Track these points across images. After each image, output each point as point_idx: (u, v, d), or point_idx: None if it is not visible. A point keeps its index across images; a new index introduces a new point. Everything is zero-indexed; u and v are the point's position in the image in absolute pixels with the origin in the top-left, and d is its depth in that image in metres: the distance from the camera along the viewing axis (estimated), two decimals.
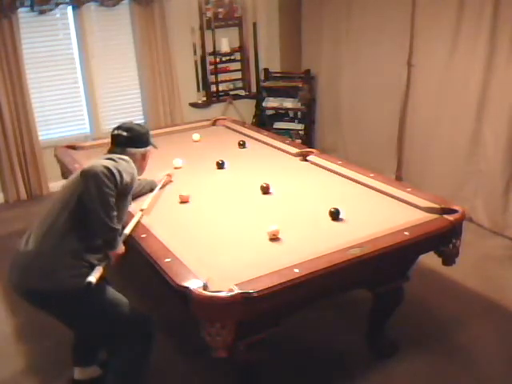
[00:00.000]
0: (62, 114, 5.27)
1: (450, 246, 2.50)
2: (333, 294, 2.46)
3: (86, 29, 5.13)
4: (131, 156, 2.49)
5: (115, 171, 2.21)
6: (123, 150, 2.50)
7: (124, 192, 2.33)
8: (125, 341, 2.36)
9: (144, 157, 2.61)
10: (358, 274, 2.28)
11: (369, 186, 2.98)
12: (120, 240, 2.33)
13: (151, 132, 2.73)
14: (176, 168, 3.42)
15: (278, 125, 5.81)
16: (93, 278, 2.13)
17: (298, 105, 5.69)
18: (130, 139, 2.53)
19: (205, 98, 5.82)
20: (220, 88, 5.85)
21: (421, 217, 2.55)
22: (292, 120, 5.86)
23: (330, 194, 2.94)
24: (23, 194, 5.15)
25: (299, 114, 5.79)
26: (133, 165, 2.42)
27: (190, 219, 2.72)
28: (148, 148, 2.62)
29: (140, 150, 2.57)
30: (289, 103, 5.72)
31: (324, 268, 2.12)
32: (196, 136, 4.06)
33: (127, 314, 2.35)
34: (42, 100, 5.13)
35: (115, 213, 2.23)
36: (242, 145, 3.80)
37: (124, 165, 2.32)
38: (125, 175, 2.27)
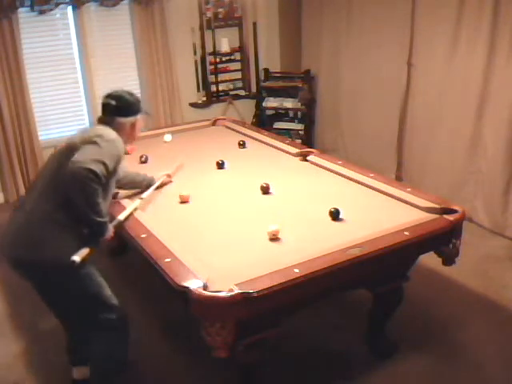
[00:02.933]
0: (61, 113, 5.26)
1: (450, 246, 2.50)
2: (333, 293, 2.46)
3: (86, 29, 5.13)
4: (120, 125, 2.48)
5: (99, 169, 2.20)
6: (112, 118, 2.48)
7: (110, 176, 2.33)
8: (101, 327, 2.40)
9: (133, 126, 2.56)
10: (357, 273, 2.28)
11: (369, 185, 2.98)
12: (110, 226, 2.39)
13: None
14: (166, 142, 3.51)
15: (278, 125, 5.82)
16: (77, 257, 2.18)
17: (298, 105, 5.69)
18: (118, 108, 2.50)
19: (205, 98, 5.82)
20: (220, 88, 5.85)
21: (421, 217, 2.55)
22: (292, 120, 5.86)
23: (330, 194, 2.94)
24: (23, 194, 5.16)
25: (299, 114, 5.79)
26: (118, 143, 2.39)
27: (189, 219, 2.72)
28: (137, 117, 2.57)
29: (129, 119, 2.52)
30: (289, 103, 5.72)
31: (324, 268, 2.12)
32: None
33: (106, 296, 2.40)
34: (42, 100, 5.12)
35: (102, 206, 2.27)
36: (242, 145, 3.80)
37: (108, 148, 2.30)
38: (109, 162, 2.26)
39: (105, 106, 2.53)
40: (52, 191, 2.29)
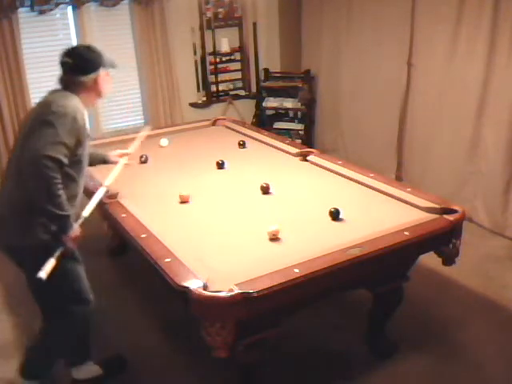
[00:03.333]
0: None
1: (450, 246, 2.50)
2: (333, 293, 2.46)
3: (86, 29, 5.13)
4: (81, 84, 2.36)
5: (59, 152, 2.14)
6: (72, 77, 2.35)
7: (74, 153, 2.26)
8: (64, 315, 2.43)
9: (96, 82, 2.40)
10: (357, 273, 2.28)
11: (369, 185, 2.98)
12: (74, 224, 2.31)
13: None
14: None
15: (278, 125, 5.81)
16: (43, 273, 2.14)
17: (298, 105, 5.69)
18: (76, 66, 2.35)
19: (205, 98, 5.82)
20: (220, 88, 5.85)
21: (421, 217, 2.55)
22: (292, 120, 5.86)
23: (330, 194, 2.94)
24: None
25: (299, 113, 5.79)
26: (75, 113, 2.25)
27: (190, 219, 2.72)
28: (99, 72, 2.40)
29: (90, 76, 2.37)
30: (289, 103, 5.72)
31: (324, 268, 2.11)
32: None
33: (81, 287, 2.43)
34: None
35: (62, 198, 2.20)
36: (242, 145, 3.80)
37: (63, 124, 2.19)
38: (67, 139, 2.19)
39: (63, 65, 2.38)
40: (20, 177, 2.23)
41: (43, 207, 2.18)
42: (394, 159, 4.97)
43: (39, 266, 2.22)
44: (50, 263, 2.18)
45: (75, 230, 2.30)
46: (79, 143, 2.28)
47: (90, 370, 2.70)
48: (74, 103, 2.30)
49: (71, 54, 2.38)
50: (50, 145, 2.14)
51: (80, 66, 2.36)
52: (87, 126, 2.37)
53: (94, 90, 2.42)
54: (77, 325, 2.50)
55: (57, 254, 2.23)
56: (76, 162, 2.30)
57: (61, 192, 2.19)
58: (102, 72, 2.41)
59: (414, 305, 3.10)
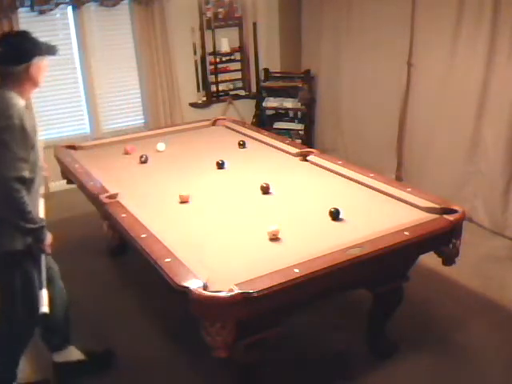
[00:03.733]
0: (62, 113, 5.27)
1: (450, 246, 2.50)
2: (333, 294, 2.46)
3: (86, 29, 5.13)
4: (14, 75, 2.22)
5: (21, 169, 2.13)
6: (2, 67, 2.22)
7: (29, 155, 2.21)
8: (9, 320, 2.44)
9: (29, 71, 2.24)
10: (357, 273, 2.27)
11: (369, 185, 2.98)
12: (46, 230, 2.32)
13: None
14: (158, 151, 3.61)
15: (278, 125, 5.81)
16: (45, 308, 2.17)
17: (298, 105, 5.69)
18: (5, 55, 2.22)
19: (205, 98, 5.82)
20: (220, 88, 5.85)
21: (421, 217, 2.55)
22: (292, 120, 5.86)
23: (330, 194, 2.94)
24: None
25: (299, 114, 5.79)
26: (18, 117, 2.15)
27: (190, 219, 2.72)
28: (32, 61, 2.24)
29: (22, 65, 2.22)
30: (289, 103, 5.72)
31: (324, 268, 2.12)
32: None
33: (35, 303, 2.35)
34: (42, 100, 5.12)
35: (33, 212, 2.20)
36: (242, 145, 3.80)
37: (13, 138, 2.12)
38: (22, 151, 2.14)
39: None
40: None
41: (17, 224, 2.19)
42: (394, 159, 4.97)
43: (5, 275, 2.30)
44: (45, 295, 2.22)
45: (49, 237, 2.34)
46: (31, 148, 2.24)
47: (71, 354, 2.73)
48: (15, 104, 2.20)
49: (0, 43, 2.24)
50: (10, 166, 2.11)
51: (10, 55, 2.22)
52: (32, 119, 2.27)
53: (29, 80, 2.28)
54: (17, 326, 2.48)
55: (44, 283, 2.25)
56: (30, 163, 2.24)
57: (30, 207, 2.18)
58: (36, 61, 2.27)
59: (413, 305, 3.10)
